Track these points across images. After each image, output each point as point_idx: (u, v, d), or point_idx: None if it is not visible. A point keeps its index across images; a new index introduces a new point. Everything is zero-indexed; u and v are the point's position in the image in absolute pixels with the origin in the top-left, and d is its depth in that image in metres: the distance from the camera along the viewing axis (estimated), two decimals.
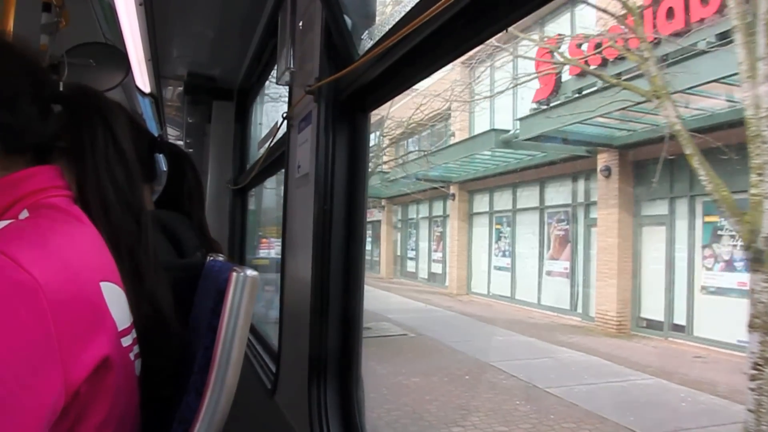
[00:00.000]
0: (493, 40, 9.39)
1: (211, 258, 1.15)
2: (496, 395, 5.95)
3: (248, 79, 3.30)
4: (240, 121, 3.58)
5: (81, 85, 0.78)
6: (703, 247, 8.34)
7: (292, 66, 1.81)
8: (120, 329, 0.65)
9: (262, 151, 2.57)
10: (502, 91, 10.99)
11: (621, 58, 8.06)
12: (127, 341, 0.67)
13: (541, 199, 12.43)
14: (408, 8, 1.03)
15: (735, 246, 7.66)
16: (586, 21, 9.59)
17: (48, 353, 0.53)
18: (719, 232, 8.06)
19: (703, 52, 6.95)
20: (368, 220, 20.20)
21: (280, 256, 2.10)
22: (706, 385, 6.14)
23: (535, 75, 10.12)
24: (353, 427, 1.36)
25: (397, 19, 1.07)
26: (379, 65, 1.17)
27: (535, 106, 10.57)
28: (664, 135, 8.20)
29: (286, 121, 1.90)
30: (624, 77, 7.79)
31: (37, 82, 0.71)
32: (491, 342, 8.80)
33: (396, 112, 11.34)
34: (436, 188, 14.25)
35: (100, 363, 0.60)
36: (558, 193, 11.97)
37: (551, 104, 9.98)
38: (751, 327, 3.84)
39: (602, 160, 10.02)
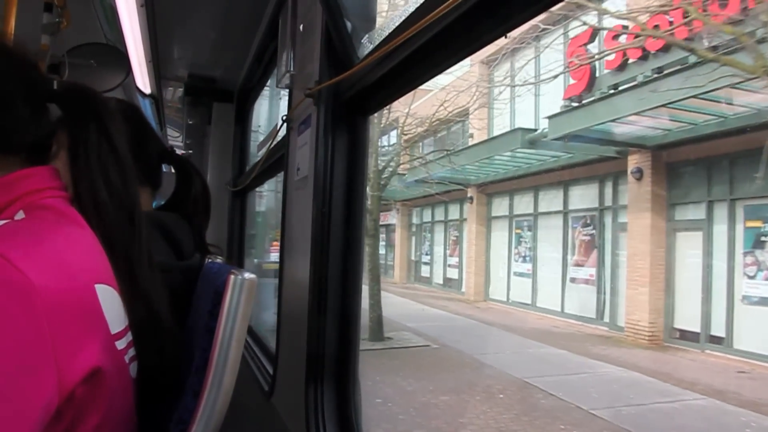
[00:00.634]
0: (539, 21, 9.13)
1: (210, 260, 1.16)
2: (536, 418, 5.48)
3: (248, 81, 3.30)
4: (240, 123, 3.59)
5: (75, 84, 0.77)
6: (745, 254, 7.79)
7: (292, 69, 1.82)
8: (114, 332, 0.64)
9: (262, 153, 2.58)
10: (546, 79, 10.12)
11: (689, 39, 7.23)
12: (121, 344, 0.66)
13: (565, 203, 11.86)
14: (408, 12, 1.03)
15: None
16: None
17: (41, 354, 0.53)
18: (763, 238, 7.57)
19: None
20: (382, 223, 19.64)
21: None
22: (766, 407, 5.63)
23: (562, 71, 9.63)
24: (350, 429, 1.36)
25: (397, 23, 1.07)
26: (378, 69, 1.17)
27: (565, 103, 9.89)
28: (703, 134, 7.94)
29: (285, 124, 1.90)
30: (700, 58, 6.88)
31: (30, 81, 0.71)
32: (520, 354, 8.28)
33: (417, 110, 10.73)
34: (453, 191, 13.60)
35: (94, 367, 0.59)
36: (584, 197, 11.39)
37: (583, 101, 9.41)
38: None
39: (633, 161, 9.43)
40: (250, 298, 0.85)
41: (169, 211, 1.18)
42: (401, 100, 9.25)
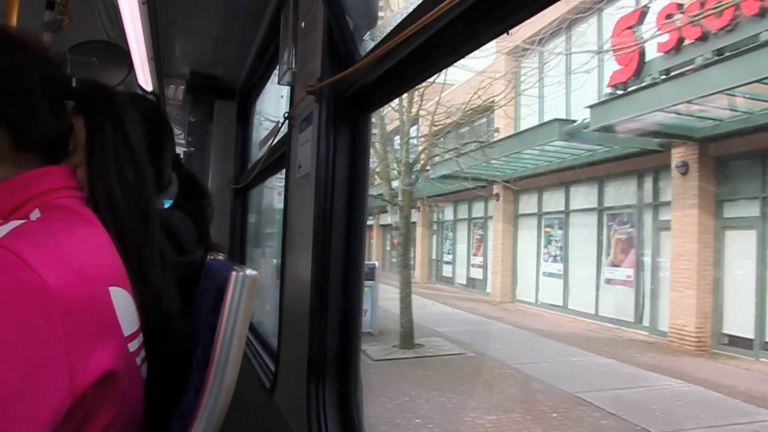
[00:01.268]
0: (570, 10, 8.70)
1: (212, 257, 1.16)
2: None
3: (250, 78, 3.30)
4: (242, 120, 3.59)
5: (93, 81, 0.77)
6: None
7: (293, 66, 1.81)
8: (127, 334, 0.65)
9: (264, 150, 2.58)
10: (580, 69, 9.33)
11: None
12: (134, 346, 0.67)
13: (600, 200, 11.07)
14: (409, 10, 1.03)
15: None
16: None
17: (55, 356, 0.53)
18: None
19: None
20: None
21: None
22: None
23: (601, 55, 8.97)
24: (352, 426, 1.37)
25: (398, 21, 1.07)
26: (380, 66, 1.17)
27: (610, 90, 9.06)
28: (760, 125, 7.26)
29: (287, 121, 1.90)
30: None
31: (49, 79, 0.71)
32: (564, 363, 7.60)
33: (449, 97, 9.62)
34: (478, 187, 12.35)
35: (106, 372, 0.60)
36: (621, 193, 10.55)
37: (629, 88, 8.56)
38: None
39: (678, 154, 8.66)
40: (252, 295, 0.85)
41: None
42: (431, 89, 8.85)
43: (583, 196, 11.61)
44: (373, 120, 8.70)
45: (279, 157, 2.22)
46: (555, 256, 12.46)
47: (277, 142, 2.22)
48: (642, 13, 8.46)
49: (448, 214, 17.74)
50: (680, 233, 8.64)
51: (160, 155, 1.16)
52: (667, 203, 9.21)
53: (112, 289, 0.63)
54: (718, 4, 6.94)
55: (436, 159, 9.65)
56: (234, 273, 0.86)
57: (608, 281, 10.64)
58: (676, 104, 7.53)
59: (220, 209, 3.48)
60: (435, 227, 19.04)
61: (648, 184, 9.98)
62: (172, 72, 3.47)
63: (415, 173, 8.91)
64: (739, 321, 7.96)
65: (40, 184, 0.68)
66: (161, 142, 1.18)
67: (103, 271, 0.63)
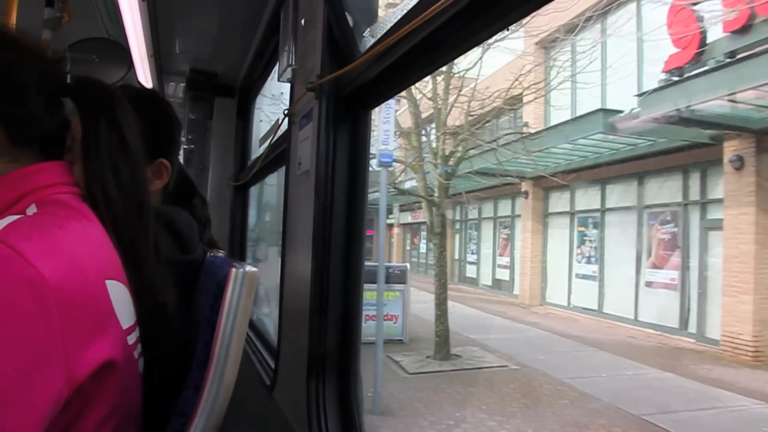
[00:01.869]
0: None
1: (212, 254, 1.16)
2: None
3: (250, 75, 3.30)
4: (242, 117, 3.59)
5: (88, 77, 0.77)
6: None
7: (293, 63, 1.81)
8: (124, 327, 0.65)
9: (264, 147, 2.58)
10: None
11: None
12: (131, 339, 0.67)
13: (640, 197, 10.23)
14: (409, 6, 1.03)
15: None
16: None
17: (52, 348, 0.54)
18: None
19: None
20: (424, 220, 18.77)
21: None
22: None
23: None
24: (351, 423, 1.37)
25: (398, 17, 1.07)
26: (380, 63, 1.17)
27: (665, 77, 8.24)
28: None
29: (287, 118, 1.90)
30: None
31: (44, 75, 0.71)
32: (618, 377, 6.87)
33: (486, 84, 8.69)
34: (504, 185, 11.72)
35: (104, 363, 0.60)
36: (663, 189, 9.74)
37: (686, 74, 7.77)
38: None
39: (731, 148, 7.92)
40: (252, 292, 0.86)
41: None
42: (468, 74, 8.21)
43: (621, 194, 10.79)
44: (407, 108, 7.98)
45: (279, 154, 2.22)
46: (589, 257, 11.74)
47: (277, 140, 2.22)
48: None
49: (473, 212, 16.89)
50: (734, 233, 7.93)
51: (175, 153, 1.17)
52: (718, 201, 8.49)
53: (108, 282, 0.63)
54: None
55: (471, 152, 8.70)
56: (234, 270, 0.86)
57: (649, 284, 9.89)
58: (741, 90, 6.71)
59: (219, 207, 3.48)
60: (458, 226, 18.29)
61: (694, 180, 9.17)
62: (171, 69, 3.47)
63: (451, 167, 8.11)
64: None
65: (37, 179, 0.68)
66: (177, 145, 1.19)
67: (100, 265, 0.64)
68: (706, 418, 5.39)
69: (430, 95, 8.32)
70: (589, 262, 11.72)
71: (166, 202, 1.20)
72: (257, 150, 3.47)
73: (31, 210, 0.65)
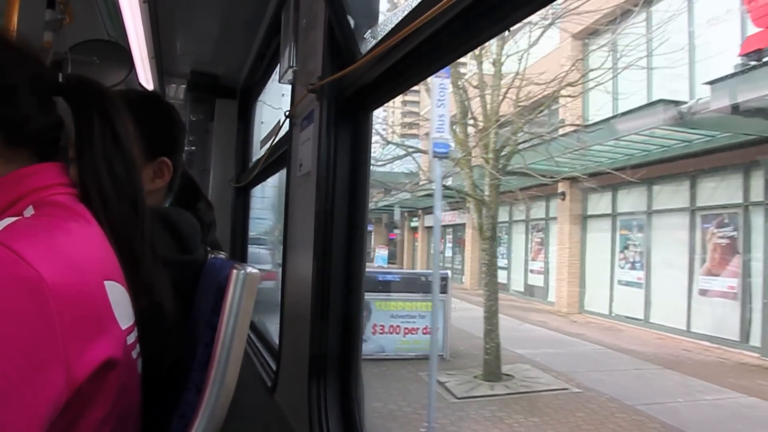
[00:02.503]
0: None
1: (213, 256, 1.16)
2: None
3: (251, 77, 3.30)
4: (243, 119, 3.59)
5: (80, 76, 0.77)
6: None
7: (294, 64, 1.81)
8: (123, 328, 0.65)
9: (265, 149, 2.58)
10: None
11: None
12: (130, 339, 0.67)
13: (693, 198, 9.32)
14: (410, 8, 1.03)
15: None
16: None
17: (52, 350, 0.54)
18: None
19: None
20: (450, 223, 18.62)
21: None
22: None
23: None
24: (353, 425, 1.37)
25: (399, 19, 1.07)
26: (381, 64, 1.17)
27: (741, 61, 7.35)
28: None
29: (288, 120, 1.90)
30: None
31: (35, 74, 0.71)
32: (699, 405, 5.90)
33: (538, 68, 7.68)
34: (536, 186, 10.53)
35: (103, 363, 0.60)
36: (720, 190, 8.89)
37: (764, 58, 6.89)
38: None
39: None
40: (252, 293, 0.85)
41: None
42: (511, 59, 7.43)
43: (670, 194, 9.82)
44: (453, 96, 7.14)
45: (280, 156, 2.22)
46: (633, 263, 10.87)
47: (278, 141, 2.22)
48: None
49: (503, 215, 15.75)
50: None
51: (179, 157, 1.17)
52: None
53: (107, 283, 0.63)
54: None
55: (522, 146, 7.75)
56: (235, 271, 0.86)
57: (703, 292, 9.00)
58: None
59: (221, 208, 3.48)
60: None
61: (758, 179, 8.27)
62: (172, 71, 3.47)
63: (501, 162, 7.27)
64: None
65: (33, 181, 0.68)
66: (180, 145, 1.19)
67: (98, 266, 0.64)
68: None
69: (475, 82, 7.52)
70: (633, 267, 10.87)
71: (173, 205, 1.20)
72: (258, 152, 3.47)
73: (29, 212, 0.65)
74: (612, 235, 11.45)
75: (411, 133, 17.38)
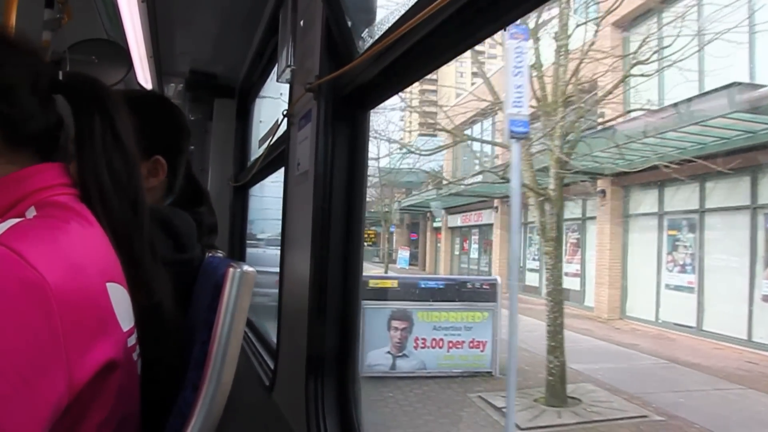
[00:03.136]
0: None
1: (210, 254, 1.16)
2: None
3: (250, 76, 3.30)
4: (241, 118, 3.59)
5: (79, 74, 0.77)
6: None
7: (292, 64, 1.82)
8: (124, 330, 0.65)
9: (263, 148, 2.58)
10: None
11: None
12: (131, 341, 0.67)
13: (754, 195, 8.42)
14: (407, 6, 1.03)
15: None
16: None
17: (54, 354, 0.53)
18: None
19: None
20: (476, 223, 17.98)
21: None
22: None
23: None
24: (350, 424, 1.37)
25: (396, 18, 1.07)
26: (378, 63, 1.17)
27: None
28: None
29: (286, 119, 1.90)
30: None
31: (35, 73, 0.71)
32: None
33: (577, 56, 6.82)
34: (572, 183, 9.63)
35: (104, 365, 0.60)
36: None
37: None
38: None
39: None
40: (249, 292, 0.86)
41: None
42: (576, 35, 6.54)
43: (726, 191, 8.90)
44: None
45: (278, 155, 2.22)
46: (683, 265, 9.91)
47: (276, 140, 2.22)
48: None
49: (532, 215, 14.98)
50: None
51: (178, 158, 1.17)
52: None
53: (109, 284, 0.63)
54: None
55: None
56: (231, 269, 0.86)
57: (767, 298, 8.18)
58: None
59: (219, 207, 3.48)
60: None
61: None
62: (171, 70, 3.47)
63: (566, 150, 6.42)
64: None
65: (35, 181, 0.68)
66: (180, 146, 1.19)
67: (100, 267, 0.63)
68: None
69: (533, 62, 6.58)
70: (683, 270, 9.89)
71: (172, 206, 1.20)
72: (257, 151, 3.47)
73: (31, 213, 0.65)
74: (659, 235, 10.39)
75: (430, 123, 15.82)
